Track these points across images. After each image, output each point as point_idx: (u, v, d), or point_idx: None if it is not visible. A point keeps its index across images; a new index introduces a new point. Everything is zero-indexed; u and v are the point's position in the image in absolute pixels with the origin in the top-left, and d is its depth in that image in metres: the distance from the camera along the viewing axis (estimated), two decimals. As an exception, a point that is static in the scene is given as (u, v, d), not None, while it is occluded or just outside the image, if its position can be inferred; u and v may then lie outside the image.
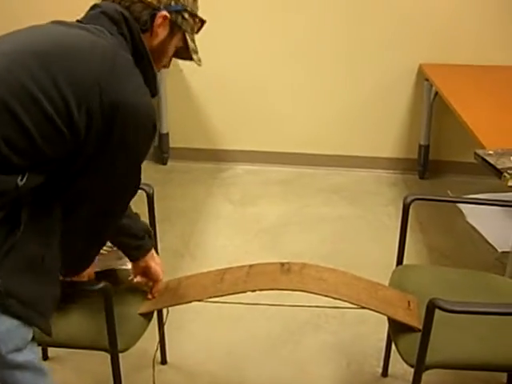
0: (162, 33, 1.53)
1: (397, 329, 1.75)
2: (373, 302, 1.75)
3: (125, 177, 1.46)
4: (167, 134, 4.48)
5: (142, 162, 1.47)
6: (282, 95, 4.40)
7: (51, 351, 2.41)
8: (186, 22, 1.57)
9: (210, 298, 1.77)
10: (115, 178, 1.43)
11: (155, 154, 4.46)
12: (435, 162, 4.35)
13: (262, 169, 4.38)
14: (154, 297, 1.87)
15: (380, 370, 2.36)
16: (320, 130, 4.45)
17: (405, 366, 1.67)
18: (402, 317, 1.73)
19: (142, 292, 1.88)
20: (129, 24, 1.46)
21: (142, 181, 1.56)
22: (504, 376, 2.30)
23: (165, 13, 1.51)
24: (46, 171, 1.35)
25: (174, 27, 1.56)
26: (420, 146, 4.29)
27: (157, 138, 4.45)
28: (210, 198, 3.94)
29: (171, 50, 1.60)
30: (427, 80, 4.02)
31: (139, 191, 1.74)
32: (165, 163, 4.47)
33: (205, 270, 1.97)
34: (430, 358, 1.58)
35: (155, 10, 1.50)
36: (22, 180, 1.27)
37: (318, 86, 4.35)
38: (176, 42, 1.59)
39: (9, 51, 1.30)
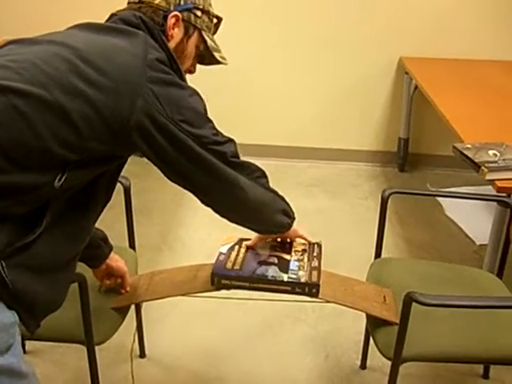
0: (177, 34, 1.52)
1: (374, 323, 1.76)
2: (349, 299, 1.75)
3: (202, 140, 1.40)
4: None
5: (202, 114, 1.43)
6: (262, 89, 4.39)
7: (30, 344, 2.40)
8: (201, 20, 1.56)
9: (184, 295, 1.77)
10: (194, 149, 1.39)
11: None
12: (415, 155, 4.37)
13: (241, 161, 4.36)
14: (127, 291, 1.85)
15: (358, 363, 2.37)
16: (300, 123, 4.45)
17: (383, 358, 1.68)
18: (379, 312, 1.73)
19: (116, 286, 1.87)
20: (148, 26, 1.45)
21: (121, 173, 1.54)
22: (481, 368, 2.33)
23: (175, 13, 1.51)
24: (89, 173, 1.34)
25: (189, 27, 1.55)
26: (400, 139, 4.30)
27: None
28: (190, 190, 3.92)
29: (191, 51, 1.58)
30: (407, 73, 4.03)
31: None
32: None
33: (183, 263, 1.96)
34: (407, 351, 1.59)
35: (165, 11, 1.50)
36: (59, 181, 1.24)
37: (298, 79, 4.34)
38: (194, 41, 1.57)
39: (47, 49, 1.29)
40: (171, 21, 1.50)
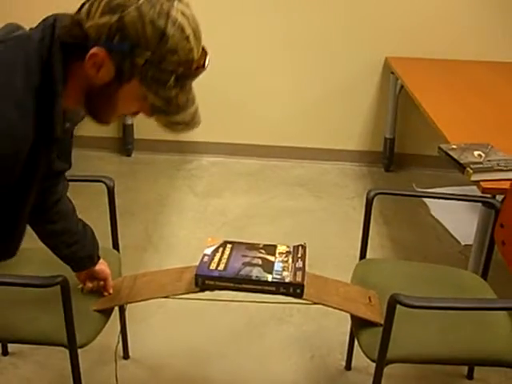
0: (104, 74, 1.17)
1: (359, 324, 1.75)
2: (334, 300, 1.75)
3: None
4: (132, 125, 4.42)
5: None
6: (247, 87, 4.38)
7: (13, 347, 2.37)
8: (143, 69, 1.15)
9: (168, 296, 1.75)
10: None
11: (119, 145, 4.43)
12: (400, 155, 4.37)
13: (227, 161, 4.36)
14: (109, 293, 1.83)
15: (343, 363, 2.37)
16: (286, 123, 4.44)
17: (368, 359, 1.68)
18: (364, 313, 1.73)
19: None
20: (53, 40, 1.16)
21: (105, 173, 1.51)
22: (465, 368, 2.33)
23: (96, 50, 1.13)
24: None
25: (122, 72, 1.16)
26: (385, 139, 4.31)
27: (121, 130, 4.42)
28: (175, 190, 3.91)
29: (128, 99, 1.21)
30: (393, 73, 4.03)
31: (99, 184, 1.70)
32: (129, 155, 4.42)
33: (168, 263, 1.95)
34: (391, 352, 1.58)
35: (86, 42, 1.14)
36: None
37: (284, 78, 4.34)
38: (135, 90, 1.19)
39: None
40: (89, 61, 1.15)
